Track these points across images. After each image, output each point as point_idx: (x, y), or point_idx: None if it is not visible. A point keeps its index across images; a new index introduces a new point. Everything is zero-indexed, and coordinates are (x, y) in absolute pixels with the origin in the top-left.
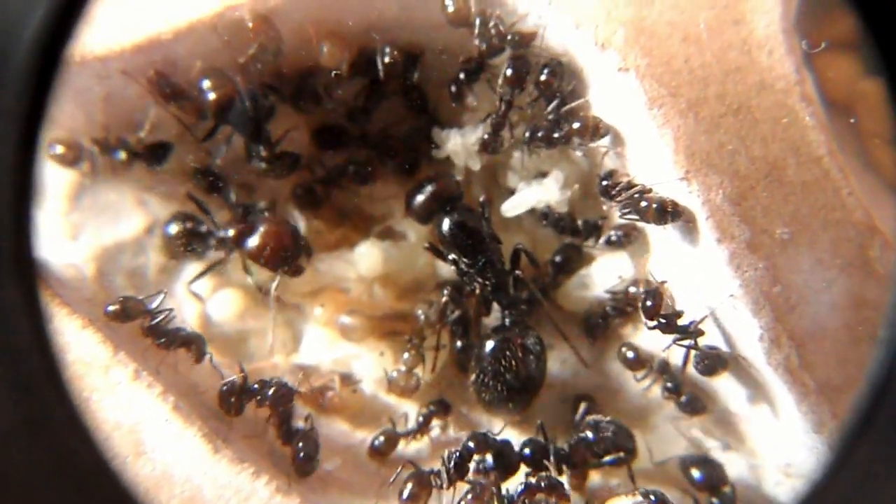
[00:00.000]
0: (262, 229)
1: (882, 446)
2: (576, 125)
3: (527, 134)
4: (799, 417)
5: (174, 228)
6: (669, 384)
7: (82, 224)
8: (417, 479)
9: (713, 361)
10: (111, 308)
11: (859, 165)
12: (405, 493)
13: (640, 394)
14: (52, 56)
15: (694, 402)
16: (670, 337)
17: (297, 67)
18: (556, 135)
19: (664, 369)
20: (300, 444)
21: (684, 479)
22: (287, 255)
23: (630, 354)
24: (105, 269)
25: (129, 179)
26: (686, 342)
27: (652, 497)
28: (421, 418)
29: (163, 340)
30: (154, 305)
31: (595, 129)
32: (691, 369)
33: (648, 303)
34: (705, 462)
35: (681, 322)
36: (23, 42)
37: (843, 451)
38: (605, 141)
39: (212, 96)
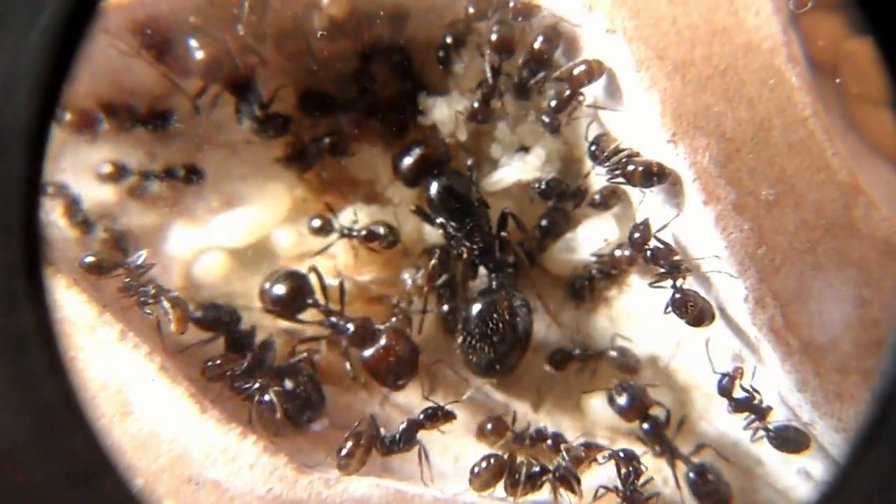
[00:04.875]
0: (384, 343)
1: (891, 456)
2: (577, 70)
3: (543, 117)
4: (783, 376)
5: (281, 290)
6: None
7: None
8: (355, 439)
9: (699, 310)
10: (88, 259)
11: (844, 126)
12: (343, 451)
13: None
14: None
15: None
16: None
17: (282, 27)
18: (567, 93)
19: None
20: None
21: (614, 413)
22: (399, 375)
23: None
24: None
25: (108, 142)
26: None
27: (621, 454)
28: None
29: (143, 299)
30: (130, 260)
31: (591, 70)
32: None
33: (636, 235)
34: (626, 388)
35: (666, 260)
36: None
37: (853, 461)
38: (597, 85)
39: (200, 55)
